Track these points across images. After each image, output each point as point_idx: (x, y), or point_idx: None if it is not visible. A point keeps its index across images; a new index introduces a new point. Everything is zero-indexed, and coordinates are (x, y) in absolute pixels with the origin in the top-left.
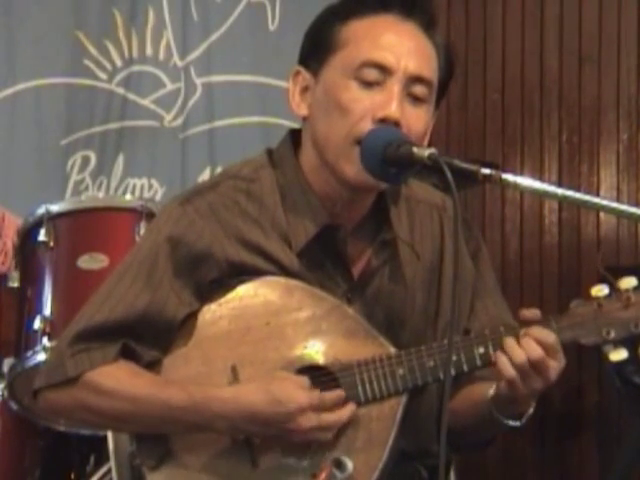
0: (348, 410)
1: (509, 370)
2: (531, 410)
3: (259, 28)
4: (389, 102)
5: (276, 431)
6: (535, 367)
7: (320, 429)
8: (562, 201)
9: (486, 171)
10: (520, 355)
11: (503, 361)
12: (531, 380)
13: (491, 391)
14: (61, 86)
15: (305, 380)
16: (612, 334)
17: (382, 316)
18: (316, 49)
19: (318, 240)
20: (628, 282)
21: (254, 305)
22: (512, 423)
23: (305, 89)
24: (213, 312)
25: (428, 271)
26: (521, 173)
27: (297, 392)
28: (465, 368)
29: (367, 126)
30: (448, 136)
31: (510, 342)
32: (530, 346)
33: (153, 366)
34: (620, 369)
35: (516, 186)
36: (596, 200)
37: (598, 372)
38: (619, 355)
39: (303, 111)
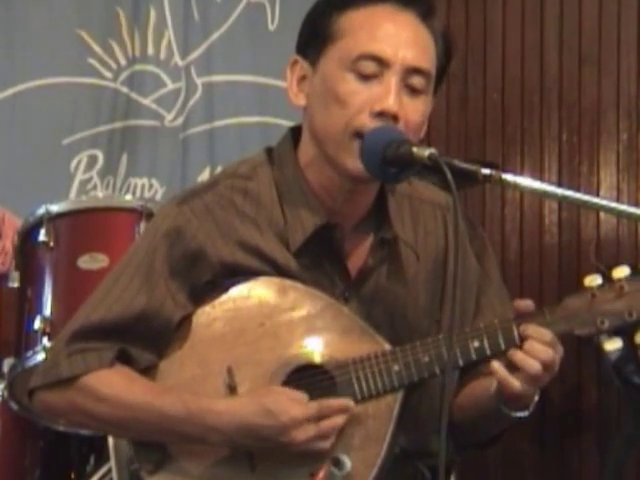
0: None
1: (516, 385)
2: (537, 397)
3: (259, 28)
4: (387, 95)
5: (271, 444)
6: (547, 366)
7: (316, 439)
8: (562, 201)
9: (486, 171)
10: (535, 366)
11: (513, 379)
12: (542, 379)
13: (493, 387)
14: (64, 85)
15: (303, 395)
16: (606, 324)
17: (381, 315)
18: (313, 39)
19: (315, 239)
20: (621, 271)
21: (248, 306)
22: (520, 414)
23: (303, 78)
24: (207, 314)
25: (431, 271)
26: (521, 173)
27: (291, 405)
28: (460, 363)
29: (365, 119)
30: (448, 136)
31: (519, 356)
32: (541, 350)
33: (149, 370)
34: (620, 368)
35: (516, 186)
36: (596, 200)
37: (598, 372)
38: (614, 344)
39: (301, 101)
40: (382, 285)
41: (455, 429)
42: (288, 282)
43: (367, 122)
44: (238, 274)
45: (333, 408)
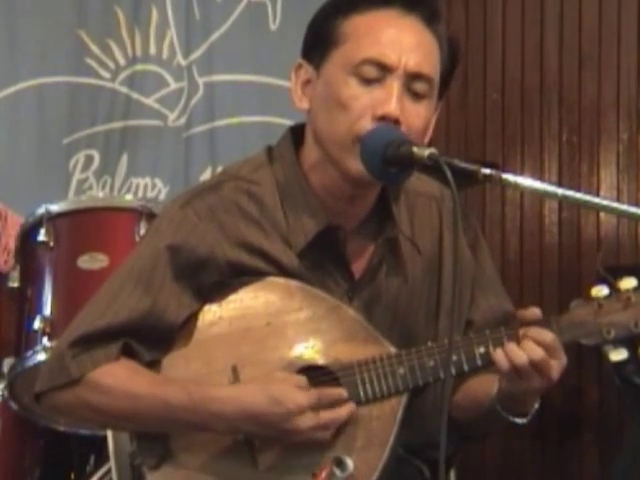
0: (347, 408)
1: (506, 367)
2: (536, 405)
3: (260, 28)
4: (388, 99)
5: (274, 432)
6: (537, 367)
7: (318, 428)
8: (562, 201)
9: (486, 171)
10: (521, 356)
11: (501, 358)
12: (532, 379)
13: (494, 389)
14: (63, 85)
15: (303, 379)
16: (612, 334)
17: (384, 312)
18: (318, 43)
19: (318, 241)
20: (628, 282)
21: (255, 306)
22: (517, 420)
23: (307, 82)
24: (214, 313)
25: (428, 263)
26: (521, 173)
27: (296, 392)
28: (465, 368)
29: (367, 123)
30: (448, 136)
31: (511, 345)
32: (530, 347)
33: (153, 366)
34: (620, 369)
35: (516, 186)
36: (596, 200)
37: (598, 372)
38: (619, 355)
39: (305, 105)
40: (384, 282)
41: (455, 424)
42: (295, 283)
43: (369, 127)
44: (245, 275)
45: (331, 396)
